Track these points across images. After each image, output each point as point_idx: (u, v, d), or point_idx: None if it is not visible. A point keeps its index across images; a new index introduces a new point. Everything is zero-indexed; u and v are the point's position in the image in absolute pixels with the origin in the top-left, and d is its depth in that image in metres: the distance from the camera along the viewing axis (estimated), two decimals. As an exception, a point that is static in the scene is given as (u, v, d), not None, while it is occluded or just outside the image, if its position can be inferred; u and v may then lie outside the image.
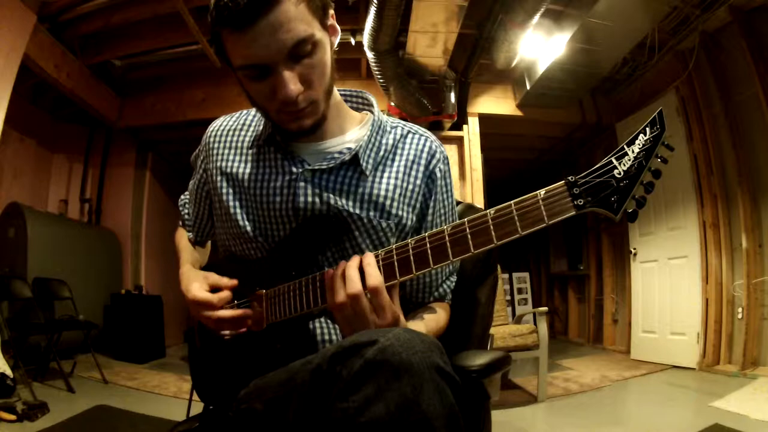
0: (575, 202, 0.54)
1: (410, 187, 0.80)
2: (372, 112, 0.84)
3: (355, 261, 0.64)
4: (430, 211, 0.82)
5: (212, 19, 0.65)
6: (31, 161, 4.20)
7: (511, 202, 0.57)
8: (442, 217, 0.85)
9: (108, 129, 4.56)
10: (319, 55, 0.69)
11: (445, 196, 0.85)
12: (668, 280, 3.71)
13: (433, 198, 0.82)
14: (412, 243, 0.62)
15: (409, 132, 0.84)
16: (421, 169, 0.81)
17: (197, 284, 0.77)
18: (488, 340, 1.00)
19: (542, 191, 0.56)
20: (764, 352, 2.98)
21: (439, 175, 0.83)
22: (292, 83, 0.66)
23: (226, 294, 0.76)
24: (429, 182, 0.82)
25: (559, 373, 3.52)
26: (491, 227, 0.57)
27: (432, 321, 0.79)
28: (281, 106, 0.69)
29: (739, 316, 3.11)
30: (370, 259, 0.64)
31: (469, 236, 0.58)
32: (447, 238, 0.59)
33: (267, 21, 0.62)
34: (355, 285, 0.62)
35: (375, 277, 0.62)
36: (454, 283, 0.88)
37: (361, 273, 0.64)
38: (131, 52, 3.82)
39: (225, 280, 0.78)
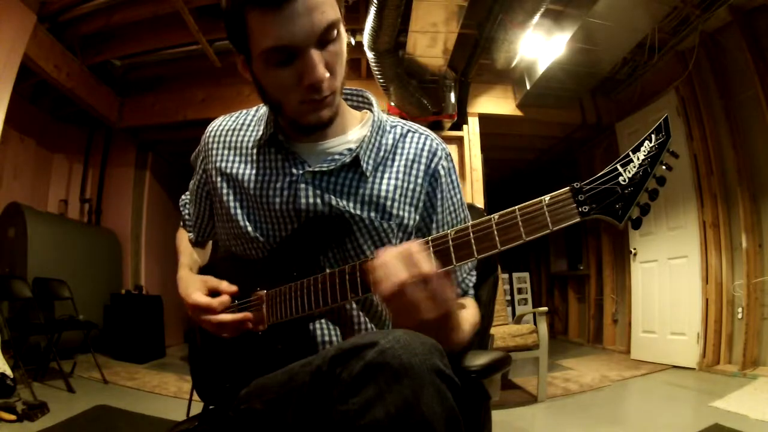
0: (580, 209, 0.54)
1: (411, 186, 0.79)
2: (372, 111, 0.84)
3: (395, 249, 0.61)
4: (439, 209, 0.82)
5: (236, 0, 0.64)
6: (31, 161, 4.20)
7: (516, 207, 0.56)
8: (452, 215, 0.84)
9: (108, 129, 4.56)
10: (341, 43, 0.69)
11: (452, 193, 0.84)
12: (668, 280, 3.71)
13: (440, 196, 0.81)
14: None
15: (409, 131, 0.84)
16: (422, 167, 0.80)
17: (196, 289, 0.78)
18: (488, 339, 1.00)
19: (547, 197, 0.55)
20: (764, 352, 2.98)
21: (442, 172, 0.82)
22: (322, 66, 0.66)
23: (225, 298, 0.77)
24: (432, 180, 0.81)
25: (559, 373, 3.52)
26: (495, 232, 0.57)
27: (469, 315, 0.77)
28: (306, 94, 0.68)
29: (739, 316, 3.11)
30: (416, 246, 0.60)
31: (472, 241, 0.58)
32: (450, 243, 0.59)
33: (303, 1, 0.62)
34: (407, 270, 0.58)
35: (428, 263, 0.59)
36: (475, 278, 0.87)
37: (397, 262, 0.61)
38: (131, 52, 3.82)
39: (225, 285, 0.78)
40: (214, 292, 0.78)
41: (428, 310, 0.58)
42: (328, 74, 0.67)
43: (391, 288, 0.58)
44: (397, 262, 0.59)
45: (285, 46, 0.64)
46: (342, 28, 0.69)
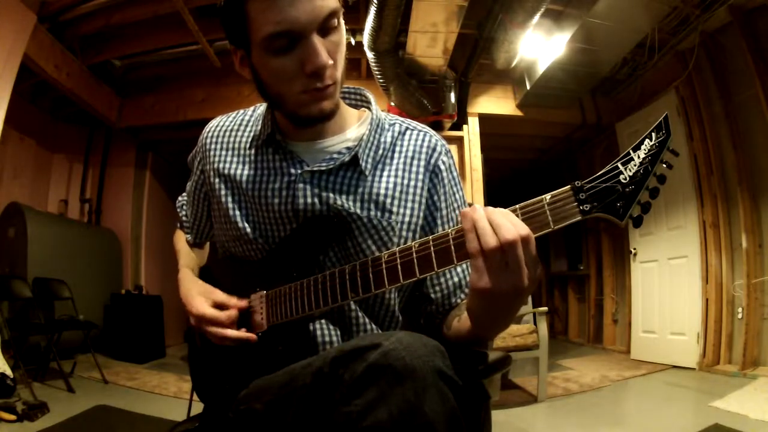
0: (581, 207, 0.54)
1: (411, 183, 0.79)
2: (370, 109, 0.83)
3: (500, 209, 0.57)
4: (443, 204, 0.81)
5: None
6: (31, 161, 4.20)
7: (517, 206, 0.56)
8: (456, 212, 0.83)
9: (108, 129, 4.56)
10: (341, 34, 0.69)
11: (454, 189, 0.84)
12: (668, 280, 3.71)
13: (442, 191, 0.81)
14: (416, 246, 0.62)
15: (407, 128, 0.83)
16: (422, 164, 0.80)
17: (201, 299, 0.76)
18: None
19: (548, 195, 0.55)
20: (764, 352, 2.98)
21: (443, 167, 0.82)
22: (325, 52, 0.65)
23: (234, 313, 0.75)
24: (433, 176, 0.81)
25: (559, 373, 3.52)
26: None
27: None
28: (308, 82, 0.67)
29: (739, 316, 3.11)
30: (506, 211, 0.56)
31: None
32: (451, 241, 0.59)
33: None
34: (512, 231, 0.53)
35: (525, 227, 0.54)
36: None
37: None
38: (131, 52, 3.82)
39: (234, 301, 0.76)
40: (221, 306, 0.76)
41: (525, 275, 0.53)
42: (331, 61, 0.66)
43: (495, 242, 0.53)
44: (503, 218, 0.54)
45: (287, 30, 0.63)
46: (342, 20, 0.69)
